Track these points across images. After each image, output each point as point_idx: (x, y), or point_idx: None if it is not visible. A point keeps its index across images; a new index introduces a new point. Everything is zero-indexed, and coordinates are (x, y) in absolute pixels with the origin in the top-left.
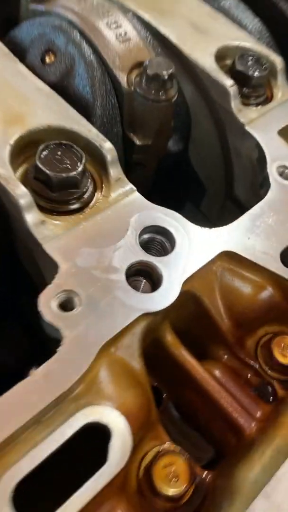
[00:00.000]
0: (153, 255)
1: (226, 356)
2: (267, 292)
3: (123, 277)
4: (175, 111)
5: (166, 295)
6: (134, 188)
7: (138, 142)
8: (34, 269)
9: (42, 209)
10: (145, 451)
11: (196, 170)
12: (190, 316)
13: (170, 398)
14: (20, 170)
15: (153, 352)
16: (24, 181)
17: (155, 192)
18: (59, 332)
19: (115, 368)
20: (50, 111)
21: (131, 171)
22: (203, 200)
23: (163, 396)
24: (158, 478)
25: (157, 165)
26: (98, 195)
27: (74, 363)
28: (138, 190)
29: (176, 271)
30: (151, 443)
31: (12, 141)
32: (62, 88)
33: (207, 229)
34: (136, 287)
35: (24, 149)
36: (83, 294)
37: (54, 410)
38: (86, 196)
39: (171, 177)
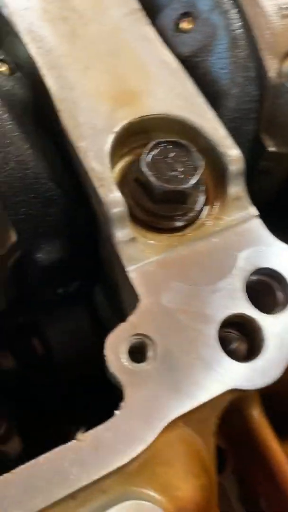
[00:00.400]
0: (259, 306)
1: None
2: None
3: (214, 331)
4: None
5: (266, 371)
6: (256, 212)
7: (271, 148)
8: (113, 285)
9: (135, 220)
10: None
11: None
12: (285, 387)
13: (233, 468)
14: (121, 164)
15: (228, 412)
16: (123, 179)
17: (280, 205)
18: (121, 387)
19: (179, 448)
20: (172, 93)
21: (253, 178)
22: None
23: (227, 463)
24: None
25: None
26: (207, 213)
27: (131, 437)
28: (258, 199)
29: (286, 339)
30: None
31: (118, 128)
32: (193, 65)
33: None
34: (226, 341)
35: (131, 137)
36: (160, 344)
37: (95, 486)
38: (193, 212)
39: None
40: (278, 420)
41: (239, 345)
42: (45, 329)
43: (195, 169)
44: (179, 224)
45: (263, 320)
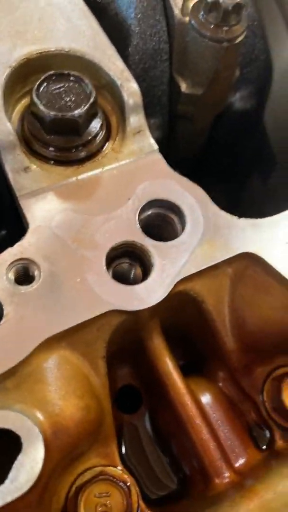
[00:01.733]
0: (155, 237)
1: (224, 379)
2: None
3: (102, 257)
4: (249, 57)
5: (150, 293)
6: (156, 146)
7: (184, 90)
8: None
9: (32, 153)
10: (86, 467)
11: (269, 137)
12: (188, 320)
13: (146, 406)
14: (22, 102)
15: (136, 348)
16: (23, 116)
17: (211, 156)
18: (1, 307)
19: (61, 368)
20: (75, 32)
21: (176, 124)
22: (272, 174)
23: (142, 404)
24: (84, 506)
25: (212, 122)
26: (108, 146)
27: (7, 350)
28: (180, 150)
29: (173, 264)
30: (96, 459)
31: (15, 63)
32: (105, 6)
33: (235, 217)
34: (124, 272)
35: (32, 75)
36: (45, 268)
37: None
38: (91, 145)
39: (233, 141)
40: (194, 354)
41: (136, 272)
42: None
43: (86, 98)
44: (77, 157)
45: (152, 245)
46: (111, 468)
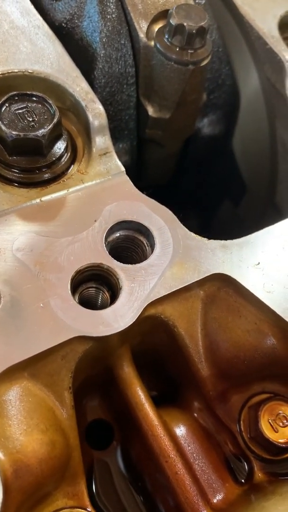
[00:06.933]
0: (124, 260)
1: (199, 409)
2: (269, 342)
3: (66, 281)
4: (215, 82)
5: (117, 318)
6: (122, 168)
7: (152, 114)
8: None
9: None
10: (52, 510)
11: (238, 162)
12: (160, 346)
13: (118, 441)
14: None
15: (105, 378)
16: None
17: (181, 183)
18: None
19: (23, 400)
20: (39, 55)
21: (145, 149)
22: (242, 200)
23: (114, 439)
24: None
25: (181, 147)
26: (73, 168)
27: None
28: (150, 176)
29: (142, 287)
30: (63, 500)
31: None
32: (70, 31)
33: (204, 239)
34: (90, 297)
35: None
36: (5, 293)
37: None
38: (56, 167)
39: (203, 166)
40: (169, 383)
41: (102, 298)
42: None
43: (50, 118)
44: (41, 178)
45: (120, 268)
46: (79, 510)
